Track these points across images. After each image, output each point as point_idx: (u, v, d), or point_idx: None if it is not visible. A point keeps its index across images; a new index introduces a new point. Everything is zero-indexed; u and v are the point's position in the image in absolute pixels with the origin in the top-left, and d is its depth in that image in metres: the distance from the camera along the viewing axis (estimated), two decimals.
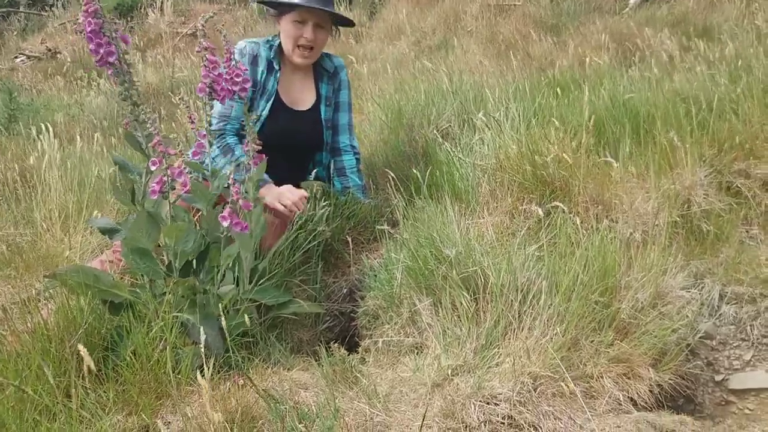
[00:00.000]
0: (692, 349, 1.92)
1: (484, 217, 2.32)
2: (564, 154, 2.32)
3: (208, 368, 1.46)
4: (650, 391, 1.68)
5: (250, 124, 1.83)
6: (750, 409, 1.88)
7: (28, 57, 9.11)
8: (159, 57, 8.07)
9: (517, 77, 4.18)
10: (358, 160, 2.72)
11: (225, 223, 1.72)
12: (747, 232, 2.34)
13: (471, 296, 1.82)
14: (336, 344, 1.79)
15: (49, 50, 9.14)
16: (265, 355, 1.83)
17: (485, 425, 1.47)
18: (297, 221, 2.19)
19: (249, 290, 1.87)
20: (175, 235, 1.69)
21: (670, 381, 1.75)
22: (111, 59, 1.66)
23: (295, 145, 2.53)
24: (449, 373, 1.62)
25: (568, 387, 1.53)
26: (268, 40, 2.51)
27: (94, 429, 1.41)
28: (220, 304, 1.70)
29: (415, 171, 2.44)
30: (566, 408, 1.54)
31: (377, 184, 2.89)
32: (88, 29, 1.61)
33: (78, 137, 3.84)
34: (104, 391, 1.52)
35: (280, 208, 2.21)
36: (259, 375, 1.68)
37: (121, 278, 1.96)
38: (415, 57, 6.05)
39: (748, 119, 2.66)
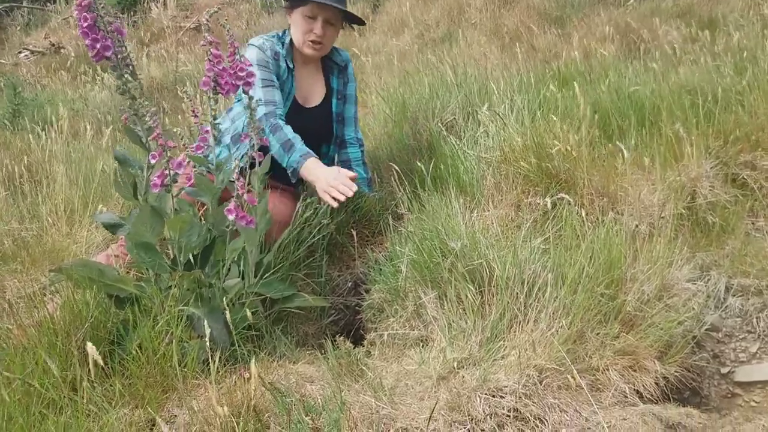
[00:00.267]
0: (698, 342, 1.91)
1: (489, 210, 2.31)
2: (568, 146, 2.31)
3: (214, 362, 1.46)
4: (656, 383, 1.68)
5: (254, 116, 1.84)
6: (756, 402, 1.88)
7: (32, 52, 9.10)
8: (162, 51, 8.05)
9: (522, 69, 4.16)
10: (362, 152, 2.71)
11: (231, 217, 1.72)
12: (753, 223, 2.33)
13: (476, 289, 1.82)
14: (341, 337, 1.79)
15: (53, 45, 9.12)
16: (270, 349, 1.83)
17: (491, 418, 1.47)
18: (301, 215, 2.19)
19: (254, 284, 1.88)
20: (179, 228, 1.69)
21: (676, 373, 1.75)
22: (107, 54, 1.64)
23: (304, 140, 2.53)
24: (455, 366, 1.62)
25: (573, 380, 1.53)
26: (279, 37, 2.50)
27: (100, 422, 1.41)
28: (225, 298, 1.71)
29: (419, 164, 2.44)
30: (572, 401, 1.54)
31: (382, 178, 2.88)
32: (84, 25, 1.59)
33: (84, 131, 3.85)
34: (110, 385, 1.53)
35: (333, 202, 2.09)
36: (264, 368, 1.68)
37: (127, 272, 1.96)
38: (419, 50, 6.03)
39: (754, 111, 2.64)
